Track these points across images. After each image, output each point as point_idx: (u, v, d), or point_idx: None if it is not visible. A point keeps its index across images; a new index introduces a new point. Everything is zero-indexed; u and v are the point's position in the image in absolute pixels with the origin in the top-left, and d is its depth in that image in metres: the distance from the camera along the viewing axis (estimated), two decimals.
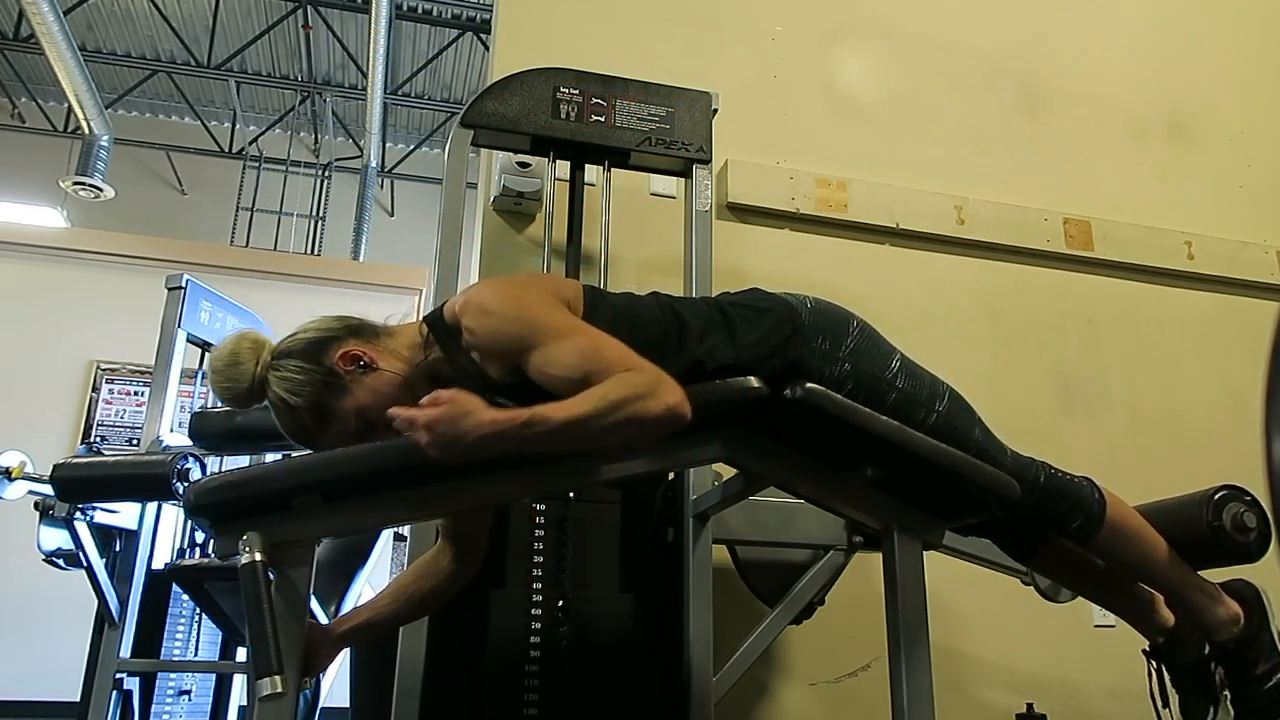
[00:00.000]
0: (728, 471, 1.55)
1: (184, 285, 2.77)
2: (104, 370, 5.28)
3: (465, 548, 1.40)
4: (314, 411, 1.22)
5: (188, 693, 2.72)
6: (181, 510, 2.42)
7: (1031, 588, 2.04)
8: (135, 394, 5.24)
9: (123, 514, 2.48)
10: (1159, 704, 1.45)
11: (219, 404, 1.79)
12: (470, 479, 1.18)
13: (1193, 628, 1.45)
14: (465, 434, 1.05)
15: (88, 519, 2.33)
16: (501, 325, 1.19)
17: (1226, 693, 1.39)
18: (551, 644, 1.55)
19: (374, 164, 7.86)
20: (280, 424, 1.24)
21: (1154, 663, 1.48)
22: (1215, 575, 1.47)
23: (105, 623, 2.43)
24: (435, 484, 1.17)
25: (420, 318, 1.32)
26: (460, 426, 1.05)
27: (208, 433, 1.89)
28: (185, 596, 2.64)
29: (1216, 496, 1.42)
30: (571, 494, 1.69)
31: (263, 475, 1.17)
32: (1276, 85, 3.24)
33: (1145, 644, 1.51)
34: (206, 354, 2.76)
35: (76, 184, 6.66)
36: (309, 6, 6.97)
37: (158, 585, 2.58)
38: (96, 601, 2.43)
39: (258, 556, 1.08)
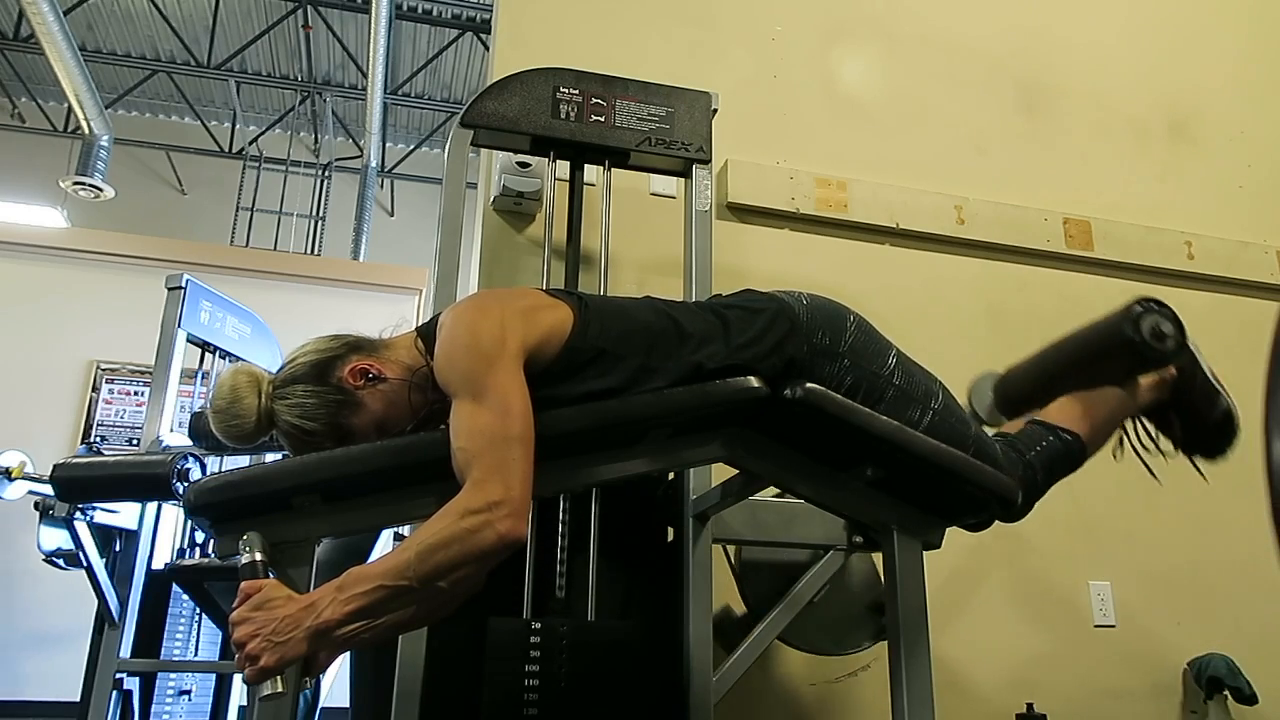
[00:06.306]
0: (728, 471, 1.55)
1: (184, 285, 2.77)
2: (104, 370, 5.28)
3: None
4: (331, 432, 1.21)
5: (188, 693, 2.72)
6: (181, 510, 2.42)
7: None
8: (135, 394, 5.24)
9: (123, 514, 2.48)
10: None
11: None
12: None
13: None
14: (290, 639, 1.00)
15: (88, 519, 2.34)
16: (446, 369, 1.16)
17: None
18: (551, 643, 1.55)
19: (374, 164, 7.86)
20: (295, 452, 1.22)
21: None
22: None
23: (105, 623, 2.44)
24: (434, 484, 1.17)
25: (415, 326, 1.32)
26: (281, 636, 0.99)
27: (208, 433, 1.89)
28: (185, 596, 2.65)
29: (1134, 310, 1.57)
30: (571, 493, 1.69)
31: (263, 475, 1.17)
32: (1276, 85, 3.24)
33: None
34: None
35: (76, 184, 6.66)
36: (309, 6, 6.98)
37: (158, 585, 2.59)
38: (96, 601, 2.43)
39: (258, 556, 1.08)
